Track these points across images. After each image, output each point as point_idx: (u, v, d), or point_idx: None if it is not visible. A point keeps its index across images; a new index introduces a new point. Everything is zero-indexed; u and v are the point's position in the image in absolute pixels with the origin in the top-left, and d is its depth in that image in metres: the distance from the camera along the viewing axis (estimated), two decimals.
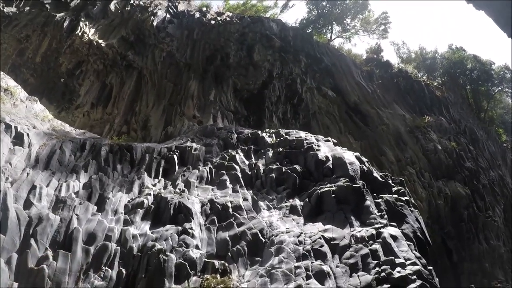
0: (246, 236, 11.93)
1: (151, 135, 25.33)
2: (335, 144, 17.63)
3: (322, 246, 11.28)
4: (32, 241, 10.47)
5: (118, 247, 11.13)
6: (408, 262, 10.91)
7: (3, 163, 12.09)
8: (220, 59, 29.00)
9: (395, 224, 12.63)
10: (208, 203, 13.44)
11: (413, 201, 15.39)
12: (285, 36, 32.23)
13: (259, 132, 19.48)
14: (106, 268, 10.57)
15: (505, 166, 42.53)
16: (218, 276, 10.34)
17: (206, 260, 10.97)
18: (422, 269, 10.64)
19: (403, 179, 16.16)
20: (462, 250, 28.24)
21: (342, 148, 17.50)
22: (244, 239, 11.84)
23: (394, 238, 11.83)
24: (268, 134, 19.23)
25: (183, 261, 10.66)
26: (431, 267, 11.47)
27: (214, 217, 12.92)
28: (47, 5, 25.37)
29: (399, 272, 10.26)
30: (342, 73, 34.41)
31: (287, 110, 30.54)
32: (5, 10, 24.06)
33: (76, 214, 11.81)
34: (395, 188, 14.88)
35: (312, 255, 10.92)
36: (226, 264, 10.94)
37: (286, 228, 12.33)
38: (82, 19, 26.22)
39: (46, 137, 14.70)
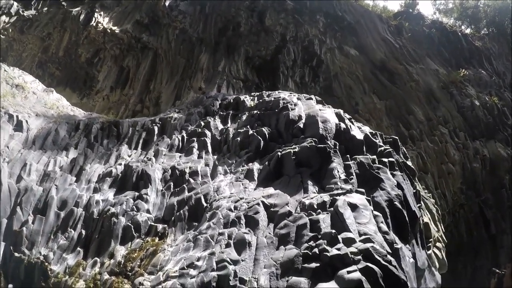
0: (190, 201, 11.44)
1: (161, 111, 25.51)
2: (317, 102, 15.07)
3: (257, 213, 9.60)
4: (18, 209, 12.10)
5: (83, 212, 11.95)
6: (362, 237, 8.39)
7: (3, 147, 13.85)
8: (232, 29, 28.79)
9: (363, 190, 10.13)
10: (170, 170, 13.27)
11: (408, 164, 12.79)
12: None
13: (241, 96, 18.13)
14: (71, 229, 11.58)
15: None
16: (156, 239, 10.39)
17: (152, 223, 11.09)
18: (378, 248, 8.06)
19: (396, 137, 13.29)
20: (502, 221, 24.77)
21: (326, 105, 14.91)
22: (188, 204, 11.39)
23: (353, 207, 9.38)
24: (251, 97, 17.73)
25: (130, 224, 11.01)
26: (401, 245, 8.81)
27: (171, 183, 12.71)
28: (63, 3, 27.79)
29: (338, 249, 7.91)
30: (367, 30, 31.50)
31: (304, 73, 29.33)
32: (25, 14, 26.60)
33: (56, 185, 12.98)
34: (382, 148, 12.10)
35: (242, 222, 9.56)
36: (167, 228, 10.80)
37: (231, 193, 11.24)
38: (97, 9, 27.93)
39: (46, 121, 16.17)
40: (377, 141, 12.59)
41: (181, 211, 11.18)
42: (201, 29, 28.63)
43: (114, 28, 27.66)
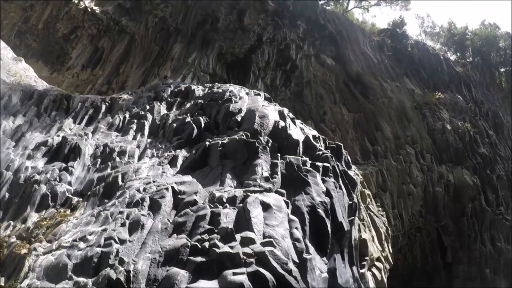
0: (108, 179, 11.18)
1: None
2: (265, 99, 14.17)
3: (162, 197, 9.09)
4: None
5: (12, 176, 11.82)
6: (265, 240, 7.37)
7: None
8: (210, 23, 28.31)
9: (283, 192, 9.14)
10: (102, 147, 13.18)
11: (349, 174, 11.92)
12: (283, 0, 29.82)
13: (193, 85, 17.69)
14: None
15: None
16: (68, 210, 10.40)
17: (69, 196, 10.99)
18: (279, 254, 7.19)
19: (341, 144, 12.38)
20: (460, 250, 23.98)
21: (272, 103, 13.97)
22: (105, 181, 11.14)
23: (266, 207, 8.44)
24: (202, 88, 17.17)
25: (48, 193, 10.95)
26: (312, 257, 7.86)
27: (99, 159, 12.61)
28: None
29: (231, 247, 7.07)
30: (347, 42, 30.90)
31: (276, 76, 28.68)
32: None
33: None
34: (320, 152, 11.14)
35: (145, 204, 9.06)
36: (80, 201, 10.69)
37: (147, 175, 10.84)
38: None
39: (2, 86, 16.12)
40: (317, 144, 11.69)
41: (98, 187, 10.96)
42: (180, 19, 28.17)
43: (95, 8, 27.51)
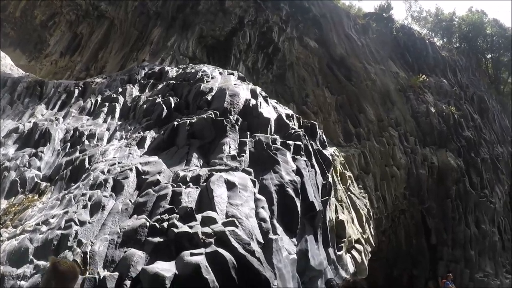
0: (75, 162, 11.09)
1: None
2: (239, 78, 13.76)
3: (125, 178, 8.88)
4: None
5: None
6: (225, 220, 7.03)
7: None
8: (190, 6, 27.54)
9: (250, 170, 8.81)
10: (72, 131, 13.07)
11: (324, 153, 11.56)
12: None
13: (166, 67, 17.51)
14: None
15: None
16: (36, 196, 10.32)
17: (38, 181, 10.87)
18: (241, 234, 6.86)
19: (315, 123, 11.97)
20: (444, 232, 23.85)
21: (246, 82, 13.57)
22: (72, 165, 11.06)
23: (230, 185, 8.10)
24: (177, 69, 17.01)
25: (17, 179, 10.78)
26: (279, 237, 7.53)
27: (69, 143, 12.52)
28: None
29: (191, 227, 6.75)
30: (331, 25, 30.29)
31: (258, 59, 27.89)
32: None
33: None
34: (292, 131, 10.75)
35: (108, 185, 8.85)
36: (48, 186, 10.59)
37: (113, 157, 10.69)
38: None
39: None
40: (290, 123, 11.31)
41: (65, 171, 10.86)
42: (160, 3, 27.35)
43: None
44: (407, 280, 23.67)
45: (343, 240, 12.30)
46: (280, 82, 26.57)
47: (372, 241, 16.47)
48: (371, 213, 17.87)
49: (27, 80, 16.93)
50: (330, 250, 10.65)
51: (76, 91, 16.22)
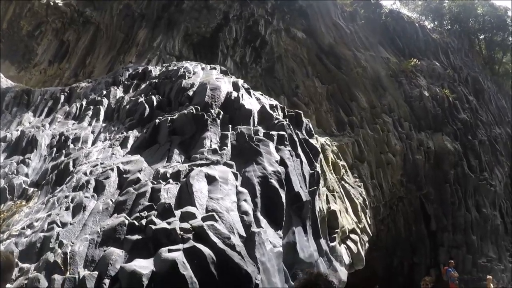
0: (60, 166, 11.04)
1: None
2: (221, 72, 13.50)
3: (106, 178, 8.85)
4: None
5: None
6: (205, 214, 6.74)
7: None
8: (175, 5, 27.46)
9: (232, 163, 8.54)
10: (58, 136, 13.08)
11: (311, 142, 11.23)
12: None
13: (151, 67, 17.50)
14: None
15: None
16: (24, 201, 10.36)
17: (26, 187, 10.88)
18: (220, 228, 6.67)
19: (300, 112, 11.67)
20: (444, 217, 23.53)
21: (228, 75, 13.26)
22: (58, 169, 11.00)
23: (211, 179, 7.82)
24: (160, 68, 16.93)
25: (6, 187, 10.77)
26: (262, 230, 7.27)
27: (55, 148, 12.52)
28: None
29: (169, 223, 6.63)
30: (318, 14, 29.92)
31: (246, 53, 27.72)
32: None
33: None
34: (276, 121, 10.43)
35: (90, 186, 8.84)
36: (35, 191, 10.60)
37: (96, 159, 10.61)
38: None
39: None
40: (274, 114, 11.00)
41: (51, 176, 10.85)
42: (144, 5, 27.32)
43: (58, 1, 27.05)
44: (408, 269, 23.35)
45: (336, 230, 11.95)
46: (269, 75, 26.26)
47: (369, 230, 16.15)
48: (367, 202, 17.57)
49: (14, 90, 17.13)
50: (322, 241, 10.32)
51: (62, 97, 16.28)
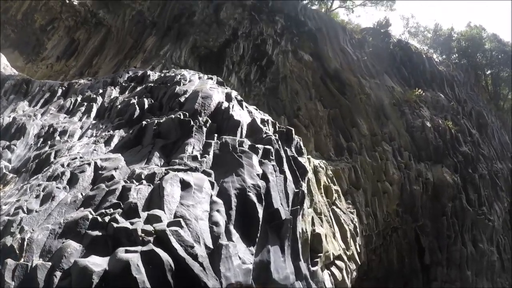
0: (42, 156, 10.96)
1: None
2: (217, 82, 13.41)
3: (82, 172, 8.74)
4: None
5: None
6: (172, 220, 6.58)
7: None
8: (186, 17, 27.85)
9: (210, 172, 8.28)
10: (47, 127, 13.10)
11: (299, 160, 10.96)
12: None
13: (149, 71, 17.37)
14: None
15: None
16: (1, 186, 10.28)
17: (6, 172, 10.86)
18: (184, 235, 6.36)
19: (291, 128, 11.43)
20: (439, 251, 22.95)
21: (224, 86, 13.21)
22: (39, 158, 10.91)
23: (185, 185, 7.60)
24: (159, 74, 16.96)
25: None
26: (230, 243, 6.97)
27: (42, 138, 12.52)
28: None
29: (132, 223, 6.43)
30: (327, 38, 30.06)
31: (251, 71, 27.82)
32: None
33: None
34: (265, 135, 10.20)
35: (64, 177, 8.68)
36: (14, 177, 10.54)
37: (77, 153, 10.48)
38: None
39: None
40: (264, 128, 10.75)
41: (31, 164, 10.82)
42: (157, 13, 27.92)
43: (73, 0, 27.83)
44: None
45: (319, 255, 11.52)
46: (272, 95, 26.19)
47: (357, 258, 15.67)
48: (358, 230, 17.10)
49: (15, 78, 17.43)
50: (302, 264, 9.88)
51: (60, 91, 16.42)
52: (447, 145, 26.39)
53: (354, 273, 15.16)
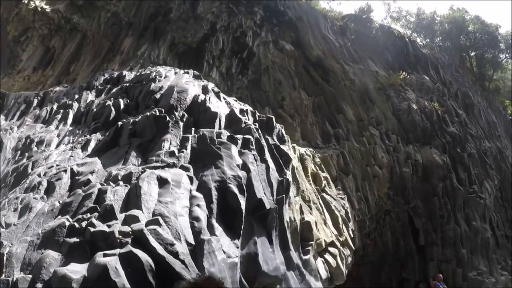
0: (20, 168, 10.74)
1: None
2: (194, 76, 13.14)
3: (58, 179, 8.58)
4: None
5: None
6: (150, 218, 6.22)
7: None
8: (162, 15, 27.25)
9: (189, 166, 8.07)
10: (24, 139, 12.84)
11: (282, 148, 10.78)
12: None
13: (125, 72, 17.16)
14: None
15: (509, 139, 36.28)
16: None
17: None
18: (163, 233, 6.18)
19: (272, 117, 11.21)
20: (433, 231, 22.96)
21: (201, 79, 12.90)
22: (17, 171, 10.68)
23: (162, 182, 7.32)
24: (135, 73, 16.55)
25: None
26: (212, 237, 6.85)
27: (19, 151, 12.24)
28: None
29: (109, 226, 6.30)
30: (308, 27, 29.68)
31: (232, 64, 27.37)
32: None
33: None
34: (244, 125, 9.97)
35: (41, 187, 8.52)
36: None
37: (54, 161, 10.23)
38: None
39: None
40: (244, 118, 10.55)
41: (9, 178, 10.59)
42: (133, 13, 27.16)
43: (46, 7, 26.79)
44: (397, 284, 22.69)
45: (310, 243, 11.37)
46: (255, 87, 25.91)
47: (351, 244, 15.58)
48: (349, 215, 16.99)
49: None
50: (293, 253, 9.74)
51: (35, 101, 16.11)
52: (435, 126, 26.33)
53: (349, 259, 15.06)
